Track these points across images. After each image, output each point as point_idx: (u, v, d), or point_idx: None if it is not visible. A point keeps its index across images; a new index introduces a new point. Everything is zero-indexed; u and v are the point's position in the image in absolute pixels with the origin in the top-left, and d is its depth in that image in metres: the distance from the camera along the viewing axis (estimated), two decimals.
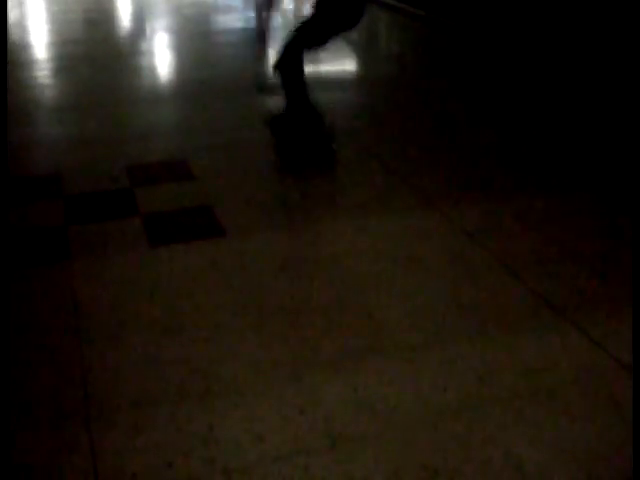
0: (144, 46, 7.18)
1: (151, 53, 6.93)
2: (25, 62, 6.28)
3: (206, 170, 3.80)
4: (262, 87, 3.93)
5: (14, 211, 3.32)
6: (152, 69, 6.31)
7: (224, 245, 3.01)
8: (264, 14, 3.78)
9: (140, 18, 8.95)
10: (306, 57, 3.69)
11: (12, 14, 8.86)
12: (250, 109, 5.03)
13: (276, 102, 3.96)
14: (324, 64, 6.15)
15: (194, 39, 7.29)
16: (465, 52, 6.58)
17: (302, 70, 3.77)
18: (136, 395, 2.13)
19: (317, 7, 3.71)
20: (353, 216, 3.27)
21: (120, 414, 2.05)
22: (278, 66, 3.75)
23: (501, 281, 2.74)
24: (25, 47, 7.01)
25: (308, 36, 3.74)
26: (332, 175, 3.78)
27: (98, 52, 6.63)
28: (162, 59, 6.69)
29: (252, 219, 3.25)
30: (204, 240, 3.04)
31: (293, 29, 3.77)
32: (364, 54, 7.12)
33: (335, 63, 6.33)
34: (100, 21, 8.33)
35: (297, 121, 3.82)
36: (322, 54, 6.17)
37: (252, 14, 8.31)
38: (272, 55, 3.84)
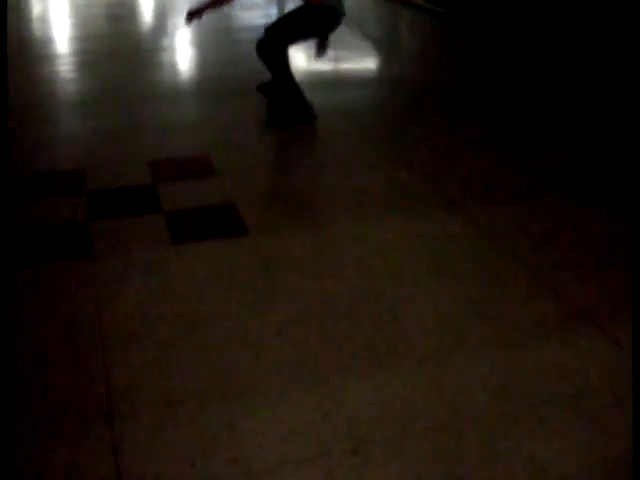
0: (166, 42, 7.20)
1: (173, 49, 6.95)
2: (48, 56, 6.32)
3: (229, 167, 3.79)
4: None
5: (37, 207, 3.33)
6: (174, 65, 6.32)
7: (247, 244, 2.99)
8: None
9: (162, 14, 8.96)
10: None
11: (35, 9, 8.92)
12: None
13: None
14: (344, 63, 6.14)
15: (216, 35, 7.29)
16: (486, 50, 6.53)
17: (284, 53, 4.33)
18: (158, 394, 2.12)
19: (295, 14, 4.33)
20: (377, 215, 3.25)
21: (143, 413, 2.05)
22: (258, 50, 4.33)
23: (527, 286, 2.71)
24: (48, 42, 7.05)
25: (287, 33, 4.32)
26: (353, 171, 3.75)
27: (120, 47, 6.66)
28: (184, 55, 6.70)
29: (275, 217, 3.24)
30: (227, 238, 3.03)
31: (276, 21, 4.38)
32: (384, 52, 7.10)
33: (355, 61, 6.31)
34: (123, 16, 8.36)
35: (281, 90, 4.49)
36: (342, 52, 6.18)
37: (275, 10, 8.31)
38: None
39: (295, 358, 2.28)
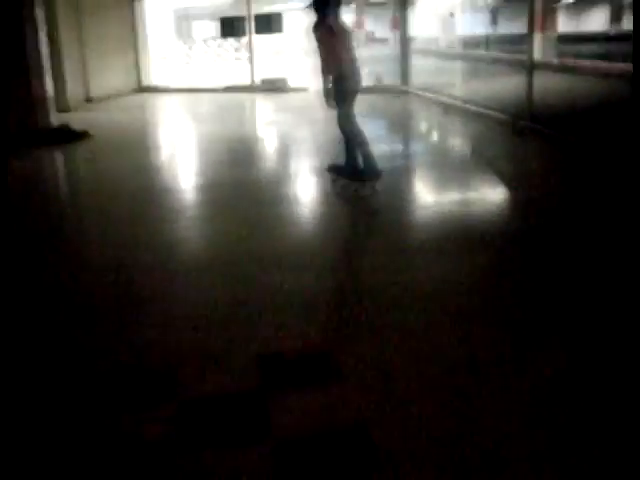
0: (288, 192, 6.42)
1: (297, 202, 6.09)
2: (162, 209, 5.79)
3: (362, 368, 2.90)
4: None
5: (114, 422, 2.57)
6: (297, 222, 5.47)
7: None
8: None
9: (286, 156, 8.48)
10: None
11: (155, 157, 8.71)
12: (411, 281, 4.06)
13: None
14: (465, 194, 5.31)
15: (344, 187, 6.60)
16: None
17: (352, 118, 5.77)
18: None
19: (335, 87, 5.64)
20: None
21: None
22: (339, 125, 5.78)
23: None
24: (169, 191, 6.51)
25: (341, 99, 5.64)
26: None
27: (238, 199, 6.01)
28: (310, 210, 5.87)
29: (427, 447, 2.27)
30: None
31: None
32: (521, 194, 6.15)
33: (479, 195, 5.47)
34: (242, 161, 7.86)
35: (349, 167, 5.98)
36: (473, 195, 5.32)
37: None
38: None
39: None
